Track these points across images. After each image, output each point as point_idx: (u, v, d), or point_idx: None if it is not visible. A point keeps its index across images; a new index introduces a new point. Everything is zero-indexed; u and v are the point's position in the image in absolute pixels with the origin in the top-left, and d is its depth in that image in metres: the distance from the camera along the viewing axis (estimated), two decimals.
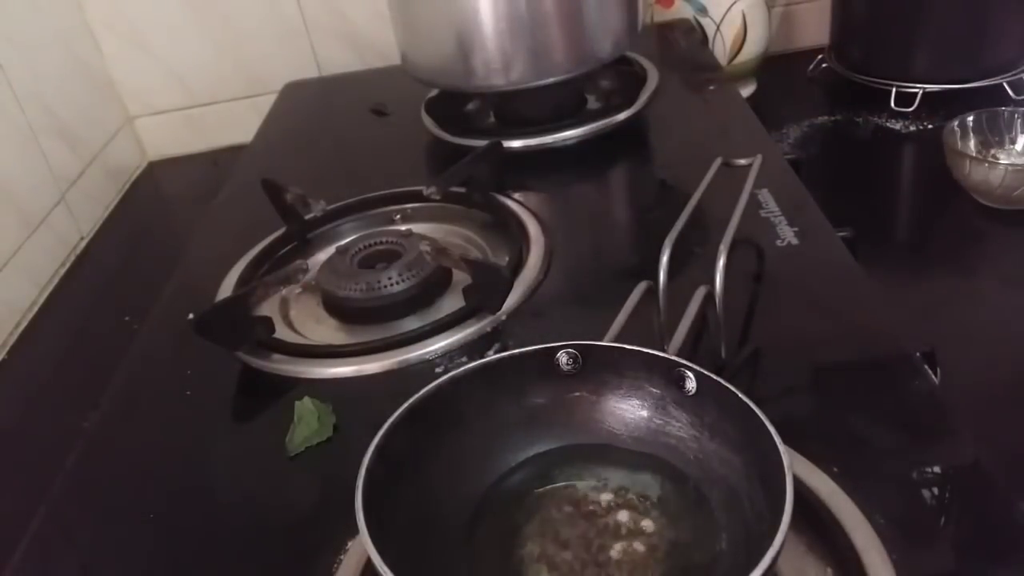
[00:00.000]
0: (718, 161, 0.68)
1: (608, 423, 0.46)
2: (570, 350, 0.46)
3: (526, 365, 0.46)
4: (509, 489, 0.45)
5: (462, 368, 0.45)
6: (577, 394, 0.47)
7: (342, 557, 0.45)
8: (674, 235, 0.57)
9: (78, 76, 1.08)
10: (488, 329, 0.62)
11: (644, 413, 0.45)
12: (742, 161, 0.69)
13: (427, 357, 0.60)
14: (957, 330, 0.68)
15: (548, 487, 0.45)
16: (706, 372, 0.43)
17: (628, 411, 0.46)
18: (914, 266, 0.79)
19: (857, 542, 0.41)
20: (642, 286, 0.51)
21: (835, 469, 0.45)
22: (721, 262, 0.52)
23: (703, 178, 0.66)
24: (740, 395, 0.40)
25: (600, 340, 0.47)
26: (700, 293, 0.50)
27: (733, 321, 0.57)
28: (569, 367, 0.46)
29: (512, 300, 0.63)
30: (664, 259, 0.54)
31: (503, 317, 0.62)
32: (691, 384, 0.43)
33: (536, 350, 0.46)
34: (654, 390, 0.45)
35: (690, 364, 0.43)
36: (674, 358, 0.44)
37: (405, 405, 0.43)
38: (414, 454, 0.42)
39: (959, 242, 0.82)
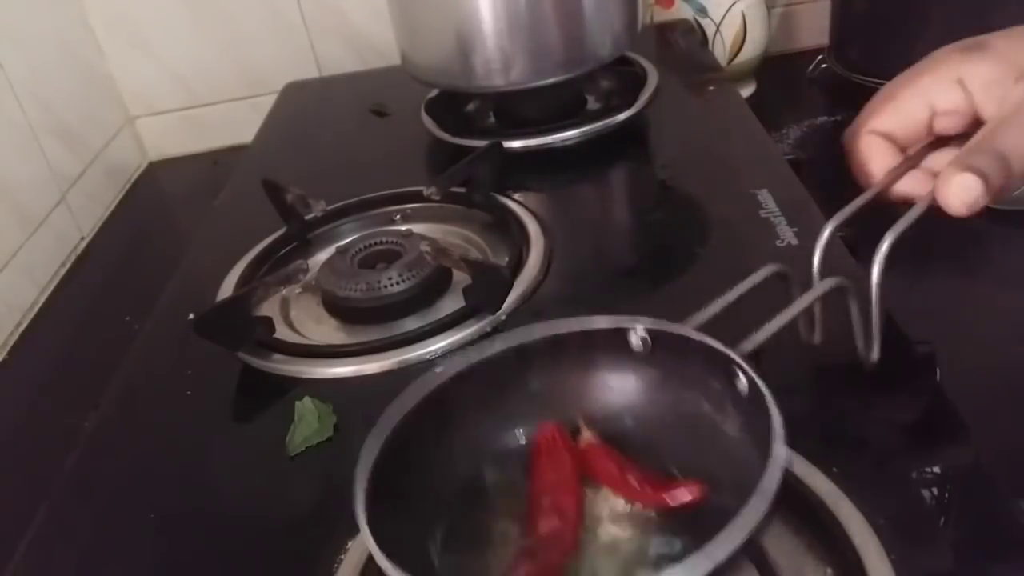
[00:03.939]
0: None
1: (668, 409, 0.45)
2: (642, 331, 0.44)
3: (597, 339, 0.45)
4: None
5: (528, 335, 0.45)
6: (648, 375, 0.45)
7: (342, 557, 0.45)
8: (843, 216, 0.51)
9: (78, 76, 1.08)
10: (488, 329, 0.62)
11: (706, 407, 0.43)
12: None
13: (427, 357, 0.60)
14: (957, 330, 0.68)
15: None
16: (752, 374, 0.39)
17: (690, 401, 0.44)
18: (914, 266, 0.79)
19: (857, 542, 0.41)
20: (767, 270, 0.47)
21: (835, 469, 0.45)
22: (884, 248, 0.46)
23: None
24: (773, 408, 0.38)
25: (694, 315, 0.44)
26: (824, 286, 0.46)
27: (734, 320, 0.56)
28: (640, 347, 0.44)
29: (512, 300, 0.63)
30: (824, 236, 0.49)
31: (503, 317, 0.62)
32: (742, 385, 0.40)
33: (607, 328, 0.44)
34: (715, 385, 0.42)
35: (741, 362, 0.40)
36: (729, 354, 0.41)
37: (467, 363, 0.44)
38: (459, 416, 0.43)
39: (959, 242, 0.82)
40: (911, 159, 0.51)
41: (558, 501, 0.42)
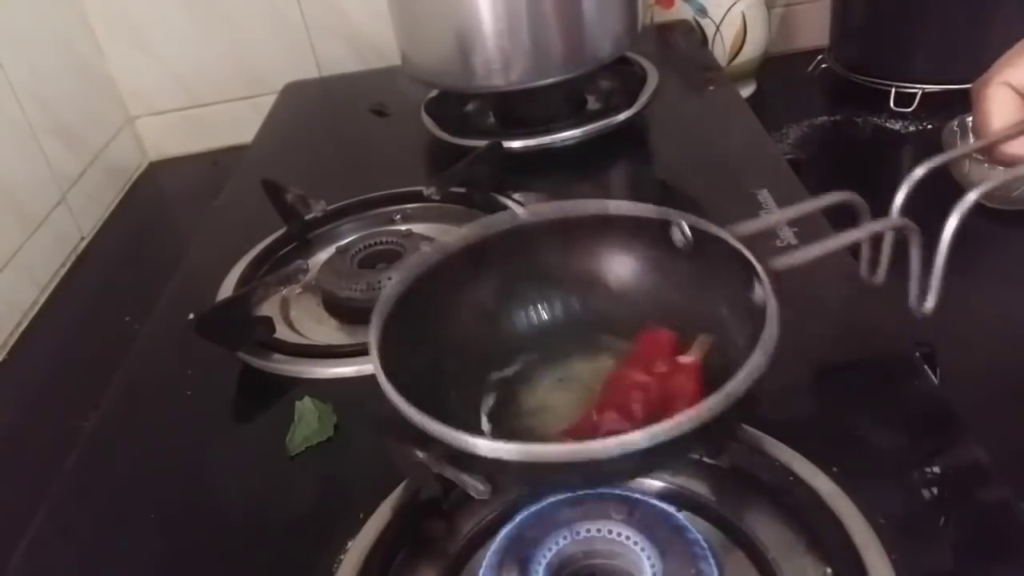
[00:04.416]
0: None
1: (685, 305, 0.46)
2: (685, 226, 0.44)
3: (642, 226, 0.46)
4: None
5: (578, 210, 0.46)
6: (685, 273, 0.46)
7: (342, 557, 0.45)
8: (940, 160, 0.49)
9: (78, 76, 1.08)
10: None
11: (724, 311, 0.44)
12: None
13: None
14: (957, 330, 0.68)
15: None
16: (767, 280, 0.40)
17: (709, 303, 0.45)
18: None
19: (857, 542, 0.41)
20: (842, 195, 0.48)
21: (835, 469, 0.45)
22: (971, 197, 0.45)
23: None
24: (772, 319, 0.38)
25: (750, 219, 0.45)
26: (893, 222, 0.46)
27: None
28: (681, 243, 0.45)
29: None
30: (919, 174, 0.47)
31: None
32: (758, 295, 0.41)
33: (654, 217, 0.45)
34: (739, 293, 0.43)
35: (761, 272, 0.41)
36: (754, 261, 0.41)
37: (513, 219, 0.46)
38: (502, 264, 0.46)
39: (959, 242, 0.81)
40: None
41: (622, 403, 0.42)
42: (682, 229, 0.44)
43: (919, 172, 0.47)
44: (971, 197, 0.44)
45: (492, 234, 0.46)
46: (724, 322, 0.44)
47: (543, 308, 0.48)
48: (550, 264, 0.48)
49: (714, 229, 0.44)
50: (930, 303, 0.48)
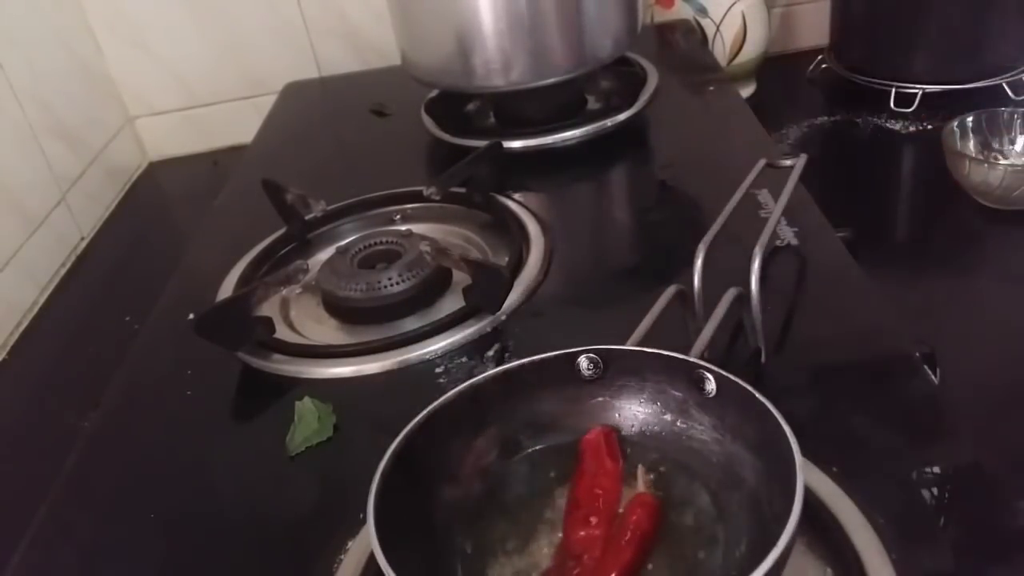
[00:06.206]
0: (761, 162, 0.67)
1: (629, 426, 0.46)
2: (591, 355, 0.45)
3: (546, 370, 0.45)
4: (521, 494, 0.45)
5: (481, 376, 0.45)
6: (600, 399, 0.46)
7: (342, 557, 0.45)
8: (709, 238, 0.56)
9: (78, 76, 1.08)
10: (488, 329, 0.62)
11: (668, 417, 0.45)
12: (786, 162, 0.68)
13: (427, 357, 0.60)
14: (957, 330, 0.68)
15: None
16: (725, 373, 0.41)
17: (651, 415, 0.45)
18: (914, 266, 0.79)
19: (857, 542, 0.41)
20: (671, 290, 0.51)
21: (835, 469, 0.45)
22: (756, 263, 0.52)
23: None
24: (758, 395, 0.39)
25: (623, 344, 0.46)
26: (730, 295, 0.50)
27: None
28: (590, 372, 0.45)
29: (512, 300, 0.63)
30: (698, 263, 0.54)
31: (503, 317, 0.62)
32: (711, 386, 0.42)
33: (556, 356, 0.45)
34: (676, 393, 0.44)
35: (709, 365, 0.42)
36: (693, 360, 0.43)
37: (425, 411, 0.42)
38: (429, 459, 0.42)
39: (959, 242, 0.82)
40: None
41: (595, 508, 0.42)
42: (588, 357, 0.45)
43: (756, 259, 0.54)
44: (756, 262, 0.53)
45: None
46: (671, 424, 0.45)
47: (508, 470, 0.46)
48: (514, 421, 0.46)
49: (625, 347, 0.45)
50: (760, 344, 0.54)
